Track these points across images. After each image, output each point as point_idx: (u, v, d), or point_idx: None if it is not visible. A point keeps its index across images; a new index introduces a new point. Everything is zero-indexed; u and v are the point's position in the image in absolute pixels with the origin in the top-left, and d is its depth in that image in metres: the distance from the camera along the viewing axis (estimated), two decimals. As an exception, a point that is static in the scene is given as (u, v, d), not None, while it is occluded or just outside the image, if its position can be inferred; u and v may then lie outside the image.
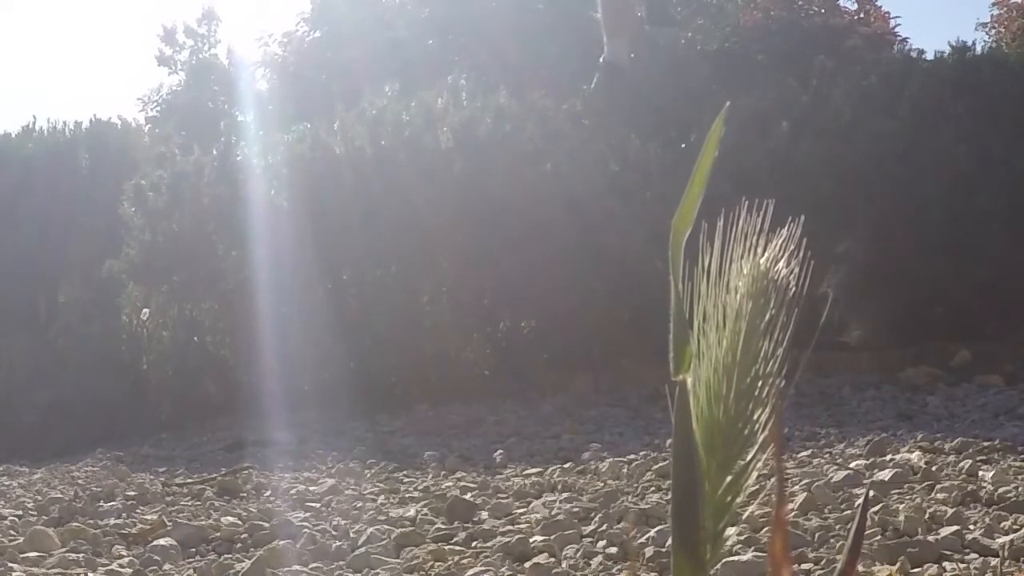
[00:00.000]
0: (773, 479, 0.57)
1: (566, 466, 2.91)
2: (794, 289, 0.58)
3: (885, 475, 2.33)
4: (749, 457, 0.60)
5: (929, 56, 6.86)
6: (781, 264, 0.58)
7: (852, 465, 2.58)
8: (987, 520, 1.84)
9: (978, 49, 6.41)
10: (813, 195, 4.88)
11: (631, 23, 4.58)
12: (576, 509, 2.19)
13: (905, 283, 5.26)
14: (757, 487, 0.61)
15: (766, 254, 0.58)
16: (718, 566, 1.59)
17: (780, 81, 6.21)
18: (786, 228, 0.58)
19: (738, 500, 0.60)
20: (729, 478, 0.61)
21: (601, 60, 4.45)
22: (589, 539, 1.95)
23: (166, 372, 5.72)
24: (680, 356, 0.60)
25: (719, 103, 0.68)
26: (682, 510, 0.60)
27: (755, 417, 0.60)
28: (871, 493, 2.12)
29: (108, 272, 6.08)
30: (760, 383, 0.59)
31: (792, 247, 0.58)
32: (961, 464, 2.43)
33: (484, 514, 2.27)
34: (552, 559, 1.83)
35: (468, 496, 2.42)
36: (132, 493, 2.84)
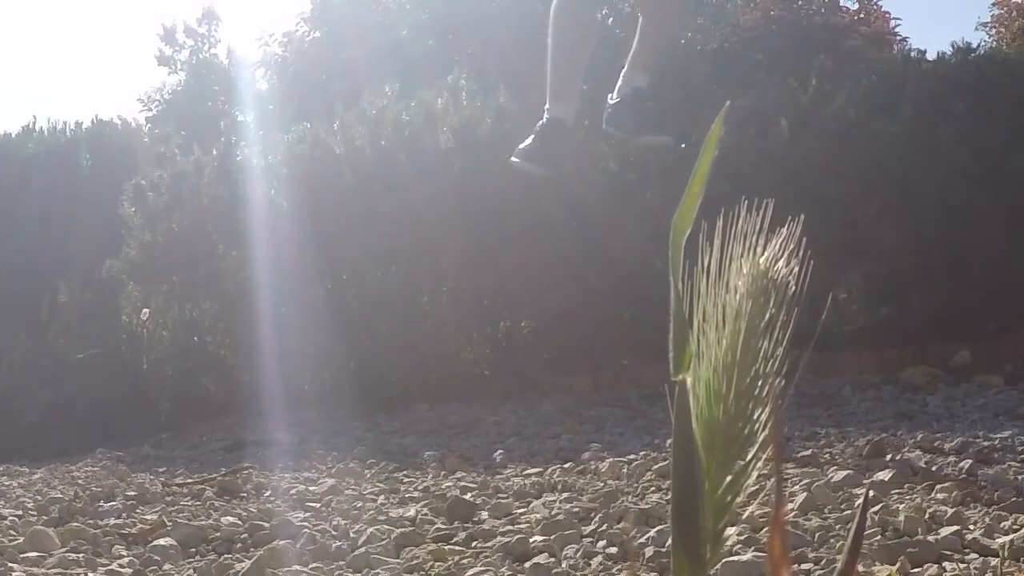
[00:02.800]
0: (772, 479, 0.57)
1: (566, 466, 2.91)
2: (794, 288, 0.58)
3: (885, 475, 2.32)
4: (749, 456, 0.60)
5: (930, 56, 6.86)
6: (781, 263, 0.58)
7: (852, 465, 2.58)
8: (987, 520, 1.84)
9: (979, 49, 6.40)
10: (813, 195, 4.88)
11: (577, 93, 3.97)
12: (576, 509, 2.19)
13: (905, 283, 5.26)
14: (757, 487, 0.61)
15: (766, 253, 0.58)
16: (718, 566, 1.59)
17: (780, 81, 6.21)
18: (786, 227, 0.59)
19: (738, 500, 0.60)
20: (729, 477, 0.61)
21: (541, 122, 3.91)
22: (589, 539, 1.95)
23: (166, 372, 5.72)
24: (680, 356, 0.60)
25: (719, 103, 0.68)
26: (682, 510, 0.60)
27: (755, 416, 0.60)
28: (871, 493, 2.12)
29: (108, 272, 6.07)
30: (760, 382, 0.59)
31: (792, 246, 0.58)
32: (961, 464, 2.43)
33: (484, 514, 2.27)
34: (552, 559, 1.83)
35: (468, 496, 2.42)
36: (132, 493, 2.83)
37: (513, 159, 3.85)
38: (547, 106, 4.10)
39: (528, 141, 3.95)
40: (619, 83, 4.08)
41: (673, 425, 0.58)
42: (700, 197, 0.61)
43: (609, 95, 4.11)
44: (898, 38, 16.18)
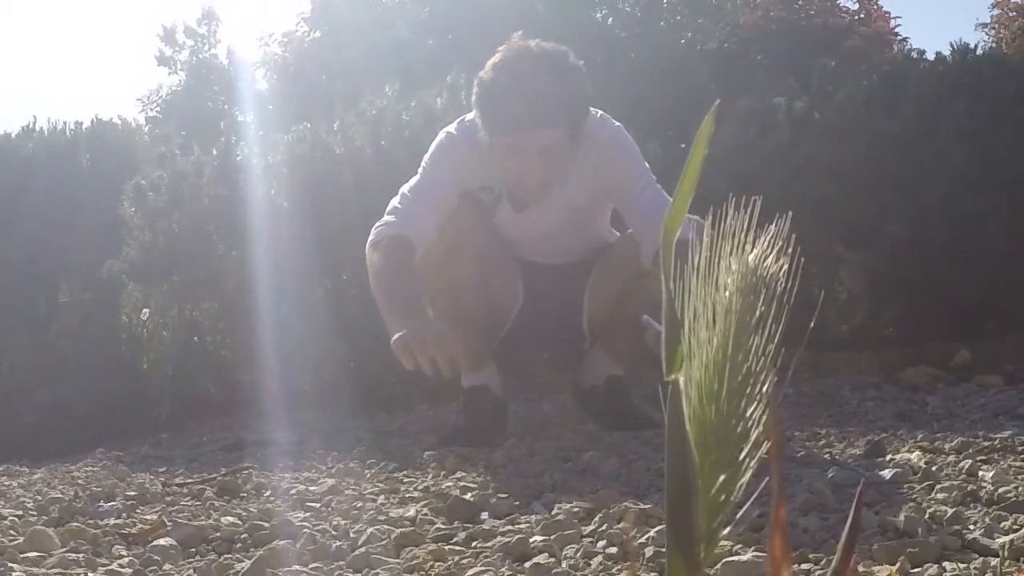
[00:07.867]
0: (773, 479, 0.57)
1: (566, 466, 2.91)
2: (785, 285, 0.58)
3: (885, 475, 2.32)
4: (743, 455, 0.60)
5: (929, 56, 6.86)
6: (770, 260, 0.58)
7: (852, 465, 2.58)
8: (987, 520, 1.84)
9: (978, 50, 6.40)
10: (813, 195, 4.88)
11: (487, 357, 3.48)
12: (576, 509, 2.19)
13: (906, 282, 5.26)
14: (755, 486, 0.62)
15: (755, 251, 0.58)
16: (718, 566, 1.59)
17: (780, 81, 6.21)
18: (774, 224, 0.59)
19: (732, 499, 0.60)
20: (723, 477, 0.61)
21: (462, 395, 3.48)
22: (589, 539, 1.95)
23: (166, 372, 5.72)
24: (672, 356, 0.60)
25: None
26: (676, 510, 0.60)
27: (748, 414, 0.60)
28: (872, 493, 2.12)
29: (108, 272, 6.07)
30: (752, 380, 0.60)
31: (780, 243, 0.58)
32: (961, 464, 2.42)
33: (484, 514, 2.27)
34: (552, 559, 1.83)
35: (468, 496, 2.42)
36: (132, 493, 2.83)
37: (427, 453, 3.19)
38: (463, 376, 3.45)
39: (451, 426, 3.50)
40: (586, 369, 3.64)
41: (666, 425, 0.59)
42: (691, 195, 0.61)
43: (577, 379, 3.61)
44: (898, 38, 16.19)
